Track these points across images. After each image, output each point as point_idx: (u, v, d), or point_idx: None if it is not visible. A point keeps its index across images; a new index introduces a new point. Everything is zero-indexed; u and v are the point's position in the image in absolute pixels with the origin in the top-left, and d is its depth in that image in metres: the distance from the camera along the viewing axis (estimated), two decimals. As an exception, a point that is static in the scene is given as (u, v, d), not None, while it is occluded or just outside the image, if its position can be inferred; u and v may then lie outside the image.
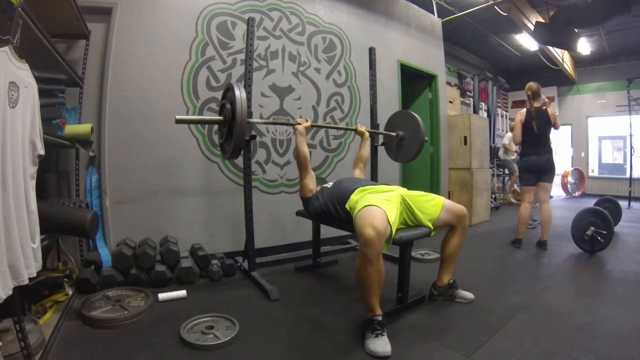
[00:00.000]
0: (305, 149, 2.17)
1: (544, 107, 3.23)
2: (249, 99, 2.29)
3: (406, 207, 1.85)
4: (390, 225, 1.56)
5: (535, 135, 3.20)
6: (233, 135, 1.88)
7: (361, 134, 2.66)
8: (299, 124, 2.25)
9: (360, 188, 1.87)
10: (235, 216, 2.71)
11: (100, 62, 2.41)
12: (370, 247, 1.46)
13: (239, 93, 1.86)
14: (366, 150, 2.63)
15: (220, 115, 2.03)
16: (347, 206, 1.81)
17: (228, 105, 1.93)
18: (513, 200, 6.31)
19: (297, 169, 2.22)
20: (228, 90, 2.00)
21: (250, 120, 2.14)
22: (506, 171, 6.48)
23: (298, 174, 2.23)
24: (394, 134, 2.86)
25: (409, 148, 2.81)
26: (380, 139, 3.01)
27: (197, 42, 2.71)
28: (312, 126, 2.41)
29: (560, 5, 4.53)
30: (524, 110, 3.31)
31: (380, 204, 1.61)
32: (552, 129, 3.26)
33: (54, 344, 1.49)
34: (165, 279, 2.21)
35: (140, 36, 2.50)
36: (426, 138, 2.74)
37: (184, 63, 2.66)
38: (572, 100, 8.31)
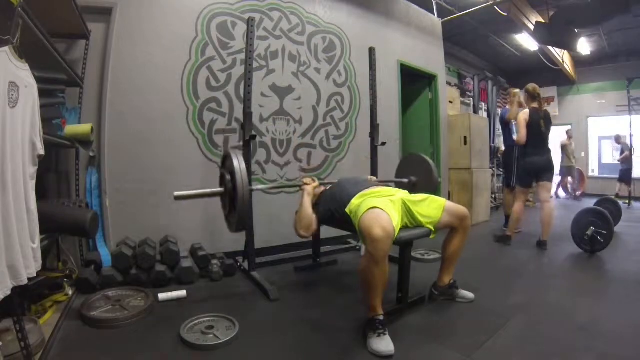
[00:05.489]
0: (311, 211, 1.97)
1: (545, 108, 3.23)
2: (248, 99, 2.30)
3: (407, 211, 1.85)
4: (394, 229, 1.55)
5: (541, 135, 3.20)
6: (237, 208, 1.75)
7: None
8: (307, 184, 2.09)
9: (362, 193, 1.86)
10: (235, 216, 2.71)
11: (100, 62, 2.42)
12: (379, 247, 1.45)
13: (238, 164, 1.73)
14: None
15: (220, 186, 1.90)
16: (347, 210, 1.80)
17: (227, 176, 1.81)
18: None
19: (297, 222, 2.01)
20: (226, 158, 1.87)
21: (253, 188, 2.06)
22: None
23: (298, 218, 2.01)
24: (405, 180, 2.71)
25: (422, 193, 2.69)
26: (381, 139, 3.01)
27: (197, 42, 2.71)
28: (321, 184, 2.17)
29: (560, 5, 4.53)
30: (527, 110, 3.29)
31: (384, 207, 1.61)
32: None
33: (54, 344, 1.49)
34: (165, 279, 2.21)
35: (140, 36, 2.50)
36: (439, 180, 2.60)
37: (184, 63, 2.66)
38: (572, 100, 8.31)
